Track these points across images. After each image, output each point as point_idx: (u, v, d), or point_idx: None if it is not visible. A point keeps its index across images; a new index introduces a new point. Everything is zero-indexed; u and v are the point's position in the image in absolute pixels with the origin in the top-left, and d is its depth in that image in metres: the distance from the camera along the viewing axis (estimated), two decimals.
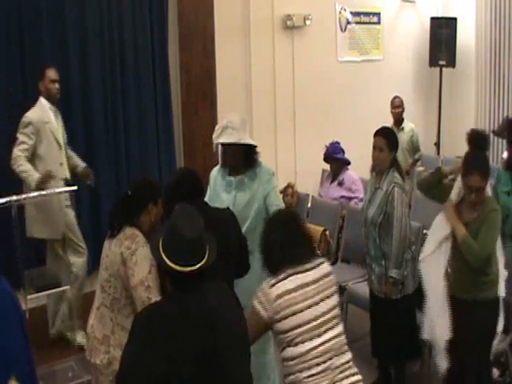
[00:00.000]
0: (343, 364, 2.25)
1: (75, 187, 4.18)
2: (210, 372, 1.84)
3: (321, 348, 2.21)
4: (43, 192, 3.96)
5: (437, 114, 7.74)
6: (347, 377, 2.24)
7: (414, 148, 6.10)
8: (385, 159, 3.42)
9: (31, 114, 4.27)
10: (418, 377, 3.80)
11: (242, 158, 3.27)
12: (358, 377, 2.28)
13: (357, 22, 7.14)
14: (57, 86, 4.34)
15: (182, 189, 2.70)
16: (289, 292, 2.22)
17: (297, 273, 2.27)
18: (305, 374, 2.19)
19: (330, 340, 2.24)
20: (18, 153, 4.18)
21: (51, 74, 4.32)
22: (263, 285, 2.30)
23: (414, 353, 3.56)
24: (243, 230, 3.03)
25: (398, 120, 6.11)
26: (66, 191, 4.18)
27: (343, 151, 5.47)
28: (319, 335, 2.22)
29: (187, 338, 1.84)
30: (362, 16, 7.18)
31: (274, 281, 2.26)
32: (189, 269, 1.88)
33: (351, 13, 7.05)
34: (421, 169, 6.42)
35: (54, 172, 4.21)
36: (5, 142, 4.73)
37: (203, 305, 1.90)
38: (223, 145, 3.28)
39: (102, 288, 2.70)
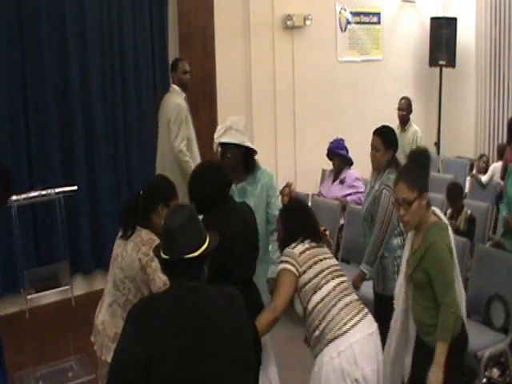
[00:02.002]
0: (358, 299, 2.66)
1: (75, 187, 4.18)
2: (189, 375, 1.83)
3: (342, 285, 2.62)
4: (43, 192, 3.97)
5: (437, 114, 7.75)
6: (364, 307, 2.64)
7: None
8: (380, 158, 3.43)
9: (180, 101, 4.92)
10: None
11: (241, 161, 3.22)
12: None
13: (357, 22, 7.14)
14: (188, 76, 5.00)
15: (208, 189, 2.65)
16: (307, 249, 2.65)
17: (308, 238, 2.69)
18: (339, 305, 2.55)
19: (345, 281, 2.66)
20: (182, 147, 4.83)
21: (183, 66, 4.99)
22: (285, 250, 2.68)
23: None
24: None
25: (402, 121, 6.06)
26: (66, 191, 4.19)
27: (347, 150, 5.47)
28: (338, 276, 2.64)
29: (170, 337, 1.83)
30: (361, 16, 7.18)
31: (292, 245, 2.66)
32: (167, 257, 1.89)
33: (351, 13, 7.05)
34: None
35: (196, 148, 5.00)
36: (5, 142, 4.75)
37: (195, 307, 1.89)
38: (223, 145, 3.22)
39: (116, 286, 2.68)
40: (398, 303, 2.85)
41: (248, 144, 3.19)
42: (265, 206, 3.27)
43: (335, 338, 2.49)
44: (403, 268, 2.84)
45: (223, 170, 2.81)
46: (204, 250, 1.92)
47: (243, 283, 2.51)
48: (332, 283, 2.59)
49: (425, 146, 3.05)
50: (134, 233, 2.64)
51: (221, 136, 3.21)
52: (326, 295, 2.55)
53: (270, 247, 3.35)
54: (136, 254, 2.59)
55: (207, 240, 1.96)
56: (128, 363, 1.81)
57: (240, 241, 2.60)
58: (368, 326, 2.57)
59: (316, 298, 2.55)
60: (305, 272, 2.57)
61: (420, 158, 2.96)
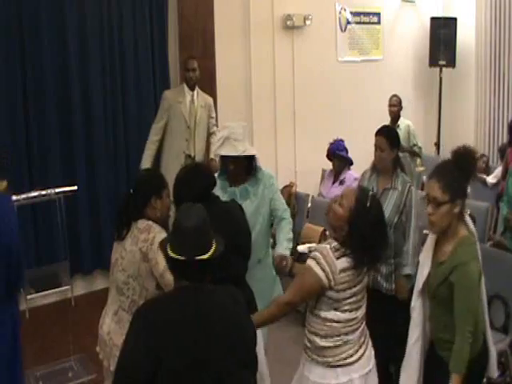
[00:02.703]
0: (365, 328, 2.53)
1: (75, 187, 4.18)
2: (197, 375, 1.83)
3: (360, 316, 2.46)
4: (43, 192, 3.96)
5: (437, 114, 7.74)
6: (368, 337, 2.54)
7: (411, 143, 6.15)
8: (385, 158, 3.44)
9: (168, 92, 5.17)
10: None
11: (244, 168, 3.21)
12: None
13: (357, 22, 7.14)
14: (191, 74, 5.07)
15: (191, 191, 2.65)
16: (348, 269, 2.34)
17: (354, 257, 2.37)
18: (350, 337, 2.41)
19: (364, 309, 2.49)
20: (151, 132, 5.06)
21: (188, 63, 5.10)
22: (324, 248, 2.35)
23: None
24: (252, 237, 2.98)
25: (394, 118, 6.18)
26: (66, 191, 4.18)
27: (347, 150, 5.47)
28: (362, 305, 2.46)
29: (178, 336, 1.83)
30: (362, 16, 7.18)
31: (338, 253, 2.35)
32: (178, 256, 1.88)
33: (351, 13, 7.05)
34: (421, 169, 6.41)
35: (179, 145, 5.02)
36: (5, 142, 4.75)
37: (201, 307, 1.89)
38: (223, 157, 3.20)
39: (120, 291, 2.65)
40: (415, 316, 2.66)
41: (248, 153, 3.15)
42: (268, 204, 3.27)
43: (337, 366, 2.41)
44: (422, 276, 2.59)
45: (205, 172, 2.81)
46: (212, 254, 1.93)
47: (233, 282, 2.49)
48: (354, 313, 2.42)
49: (473, 147, 2.52)
50: (128, 232, 2.64)
51: (220, 148, 3.16)
52: (346, 321, 2.40)
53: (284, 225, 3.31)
54: (135, 245, 2.59)
55: (214, 243, 1.96)
56: (136, 363, 1.81)
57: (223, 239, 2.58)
58: (368, 361, 2.48)
59: (333, 316, 2.39)
60: (337, 291, 2.35)
61: (464, 161, 2.48)
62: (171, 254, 1.91)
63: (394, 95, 6.29)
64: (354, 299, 2.40)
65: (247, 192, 3.22)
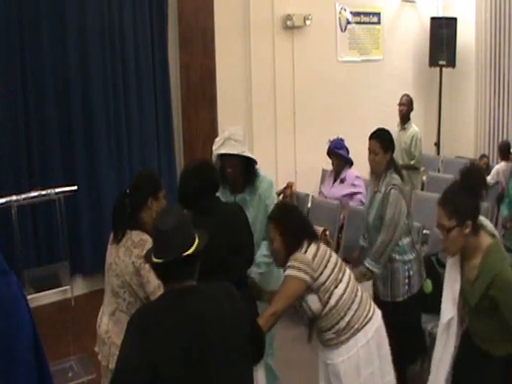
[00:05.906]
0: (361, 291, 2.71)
1: (75, 187, 4.18)
2: (195, 377, 1.84)
3: (352, 275, 2.68)
4: (43, 192, 3.96)
5: (437, 114, 7.75)
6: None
7: (412, 153, 6.00)
8: (380, 162, 3.40)
9: None
10: (419, 376, 3.78)
11: (242, 172, 3.18)
12: None
13: (357, 22, 7.14)
14: None
15: (188, 190, 2.66)
16: (317, 250, 2.58)
17: (312, 240, 2.64)
18: (359, 294, 2.63)
19: (350, 274, 2.68)
20: None
21: None
22: (295, 255, 2.56)
23: (417, 354, 3.53)
24: None
25: (403, 118, 6.03)
26: (66, 191, 4.18)
27: (347, 149, 5.46)
28: (345, 268, 2.67)
29: (173, 341, 1.83)
30: (362, 16, 7.19)
31: (302, 250, 2.57)
32: (161, 260, 1.88)
33: (351, 13, 7.05)
34: (421, 169, 6.40)
35: None
36: (6, 142, 4.75)
37: (193, 308, 1.89)
38: (222, 158, 3.16)
39: (116, 293, 2.65)
40: (449, 338, 2.59)
41: (247, 154, 3.14)
42: (264, 216, 3.17)
43: (363, 326, 2.58)
44: (453, 291, 2.56)
45: (210, 171, 2.78)
46: (196, 248, 1.92)
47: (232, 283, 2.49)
48: (346, 274, 2.62)
49: (477, 163, 2.44)
50: (124, 236, 2.63)
51: (219, 147, 3.15)
52: (347, 286, 2.59)
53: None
54: (129, 258, 2.58)
55: (197, 238, 1.96)
56: (132, 371, 1.80)
57: (223, 241, 2.56)
58: (378, 309, 2.72)
59: (338, 291, 2.56)
60: (321, 273, 2.54)
61: (470, 180, 2.45)
62: (155, 260, 1.90)
63: (405, 94, 6.15)
64: (338, 266, 2.60)
65: (245, 203, 3.20)
